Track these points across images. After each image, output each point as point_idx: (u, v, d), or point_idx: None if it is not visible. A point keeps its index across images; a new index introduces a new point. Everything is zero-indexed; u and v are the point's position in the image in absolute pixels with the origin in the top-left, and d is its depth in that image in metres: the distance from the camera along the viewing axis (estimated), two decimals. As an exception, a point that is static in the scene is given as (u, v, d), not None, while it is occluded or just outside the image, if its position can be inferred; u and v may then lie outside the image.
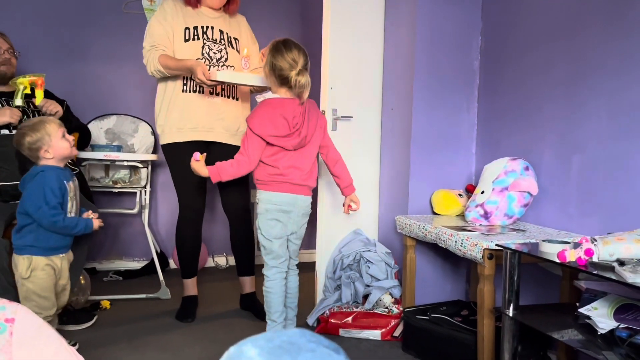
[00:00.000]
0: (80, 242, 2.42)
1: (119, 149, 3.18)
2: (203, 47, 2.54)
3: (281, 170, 2.07)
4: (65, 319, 2.47)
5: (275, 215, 2.10)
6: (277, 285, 2.15)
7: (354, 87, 2.80)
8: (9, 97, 2.56)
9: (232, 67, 2.58)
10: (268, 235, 2.12)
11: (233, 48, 2.63)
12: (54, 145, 2.00)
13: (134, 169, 3.25)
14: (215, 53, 2.55)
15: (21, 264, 2.00)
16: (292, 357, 0.58)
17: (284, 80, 2.04)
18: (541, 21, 2.26)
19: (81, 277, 2.68)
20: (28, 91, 2.39)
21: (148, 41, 2.53)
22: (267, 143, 2.05)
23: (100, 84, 3.54)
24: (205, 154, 2.17)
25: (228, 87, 2.59)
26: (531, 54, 2.32)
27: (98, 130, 3.39)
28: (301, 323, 2.63)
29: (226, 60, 2.58)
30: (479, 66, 2.67)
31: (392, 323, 2.43)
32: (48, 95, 2.71)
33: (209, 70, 2.36)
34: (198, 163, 2.09)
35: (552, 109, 2.20)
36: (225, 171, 2.05)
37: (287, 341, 0.61)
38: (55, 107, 2.52)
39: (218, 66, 2.56)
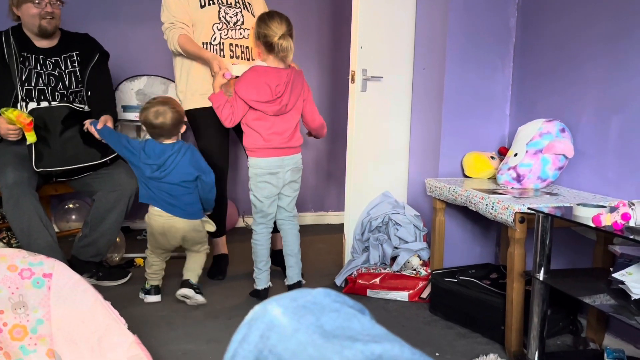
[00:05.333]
0: (120, 203, 2.48)
1: (149, 110, 3.19)
2: (219, 11, 2.53)
3: (263, 137, 2.27)
4: (101, 275, 2.56)
5: (263, 178, 2.31)
6: (264, 239, 2.42)
7: (384, 47, 2.73)
8: (49, 55, 2.49)
9: (248, 30, 2.58)
10: (259, 195, 2.34)
11: (248, 11, 2.61)
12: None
13: (164, 130, 3.28)
14: (231, 17, 2.55)
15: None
16: (316, 317, 0.58)
17: (269, 47, 2.21)
18: (584, -26, 2.14)
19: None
20: (20, 125, 2.26)
21: (166, 16, 2.53)
22: (250, 107, 2.24)
23: (130, 45, 3.54)
24: (234, 77, 2.31)
25: (247, 50, 2.59)
26: (571, 10, 2.21)
27: (129, 91, 3.41)
28: (329, 283, 2.67)
29: (242, 23, 2.58)
30: (516, 23, 2.57)
31: (420, 285, 2.44)
32: (84, 41, 2.61)
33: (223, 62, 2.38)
34: (223, 81, 2.28)
35: (592, 68, 2.11)
36: (220, 106, 2.24)
37: (312, 301, 0.61)
38: None
39: (235, 29, 2.57)
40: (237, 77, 2.31)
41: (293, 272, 2.46)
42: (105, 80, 2.67)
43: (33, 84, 2.44)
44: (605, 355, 1.70)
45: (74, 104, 2.50)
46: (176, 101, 2.35)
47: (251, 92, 2.21)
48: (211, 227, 2.41)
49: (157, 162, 2.25)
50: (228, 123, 2.27)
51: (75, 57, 2.56)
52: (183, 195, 2.29)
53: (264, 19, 2.22)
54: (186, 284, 2.35)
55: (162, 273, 2.44)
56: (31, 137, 2.30)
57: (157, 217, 2.31)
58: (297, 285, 2.48)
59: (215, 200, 2.73)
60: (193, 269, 2.41)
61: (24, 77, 2.43)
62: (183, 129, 2.33)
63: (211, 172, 2.34)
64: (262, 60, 2.27)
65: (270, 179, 2.32)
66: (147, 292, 2.40)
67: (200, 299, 2.32)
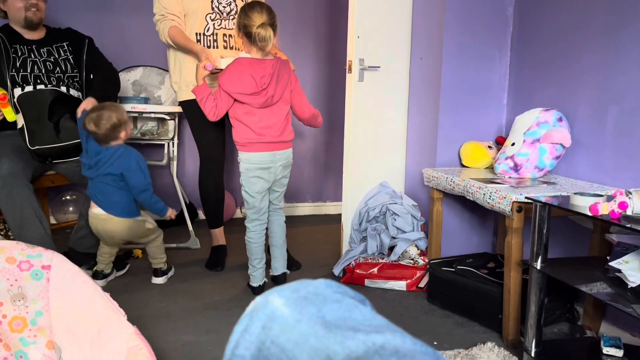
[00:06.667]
0: None
1: (146, 100, 3.18)
2: (212, 1, 2.51)
3: (255, 131, 2.22)
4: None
5: (255, 173, 2.27)
6: (258, 236, 2.36)
7: (381, 36, 2.72)
8: (41, 45, 2.55)
9: None
10: (250, 191, 2.29)
11: (242, 0, 2.59)
12: (128, 129, 2.33)
13: (161, 121, 3.27)
14: (224, 7, 2.53)
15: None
16: (318, 308, 0.59)
17: (250, 37, 2.16)
18: (582, -38, 2.13)
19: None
20: None
21: (157, 7, 2.53)
22: (235, 100, 2.19)
23: (125, 35, 3.52)
24: (216, 67, 2.27)
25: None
26: (569, 0, 2.20)
27: (125, 82, 3.39)
28: (327, 273, 2.68)
29: (236, 13, 2.55)
30: (513, 13, 2.56)
31: (418, 274, 2.45)
32: (71, 33, 2.69)
33: (215, 55, 2.38)
34: (205, 73, 2.24)
35: (590, 59, 2.10)
36: (202, 99, 2.20)
37: (313, 292, 0.61)
38: None
39: (229, 19, 2.56)
40: (221, 69, 2.28)
41: (278, 264, 2.46)
42: (103, 59, 2.74)
43: (29, 70, 2.48)
44: (602, 342, 1.72)
45: (70, 88, 2.54)
46: (117, 107, 2.32)
47: (235, 85, 2.16)
48: (150, 224, 2.43)
49: (90, 162, 2.30)
50: (212, 116, 2.21)
51: (66, 47, 2.63)
52: (112, 194, 2.29)
53: (245, 9, 2.18)
54: (156, 272, 2.50)
55: (110, 258, 2.46)
56: (8, 114, 2.32)
57: (92, 219, 2.33)
58: (282, 276, 2.48)
59: (212, 191, 2.73)
60: (154, 258, 2.49)
61: (18, 65, 2.46)
62: (123, 134, 2.31)
63: (139, 174, 2.29)
64: (247, 51, 2.23)
65: (262, 173, 2.28)
66: (94, 276, 2.42)
67: (161, 280, 2.49)
